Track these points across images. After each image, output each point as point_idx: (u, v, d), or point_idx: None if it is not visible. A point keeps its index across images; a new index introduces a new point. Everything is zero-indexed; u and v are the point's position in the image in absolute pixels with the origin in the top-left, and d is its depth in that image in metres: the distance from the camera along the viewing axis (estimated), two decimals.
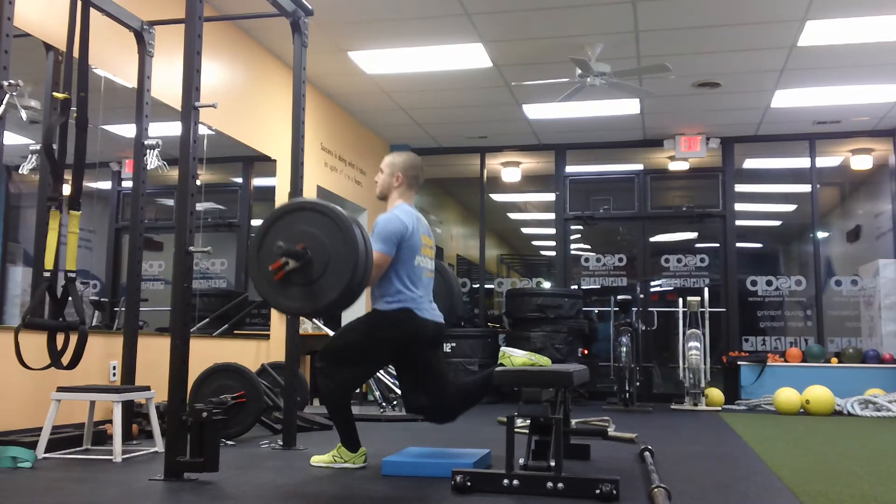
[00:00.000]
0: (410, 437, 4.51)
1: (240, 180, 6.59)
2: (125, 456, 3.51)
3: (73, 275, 3.49)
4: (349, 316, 5.38)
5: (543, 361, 3.27)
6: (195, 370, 3.82)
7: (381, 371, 6.01)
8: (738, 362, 7.71)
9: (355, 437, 3.35)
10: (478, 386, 3.43)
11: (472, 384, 3.47)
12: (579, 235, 9.02)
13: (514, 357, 3.27)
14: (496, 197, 9.45)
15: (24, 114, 3.84)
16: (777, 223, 9.28)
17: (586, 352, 8.13)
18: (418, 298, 3.32)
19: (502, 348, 3.38)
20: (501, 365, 3.24)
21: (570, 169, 8.91)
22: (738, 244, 8.48)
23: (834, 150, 8.42)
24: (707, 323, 7.43)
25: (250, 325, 6.19)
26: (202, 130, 4.33)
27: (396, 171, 3.50)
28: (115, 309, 4.74)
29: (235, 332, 5.91)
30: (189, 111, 3.23)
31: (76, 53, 3.56)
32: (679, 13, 5.45)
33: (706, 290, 7.72)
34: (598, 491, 2.65)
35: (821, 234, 8.39)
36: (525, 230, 10.39)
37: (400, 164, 3.51)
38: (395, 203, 3.48)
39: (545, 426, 2.93)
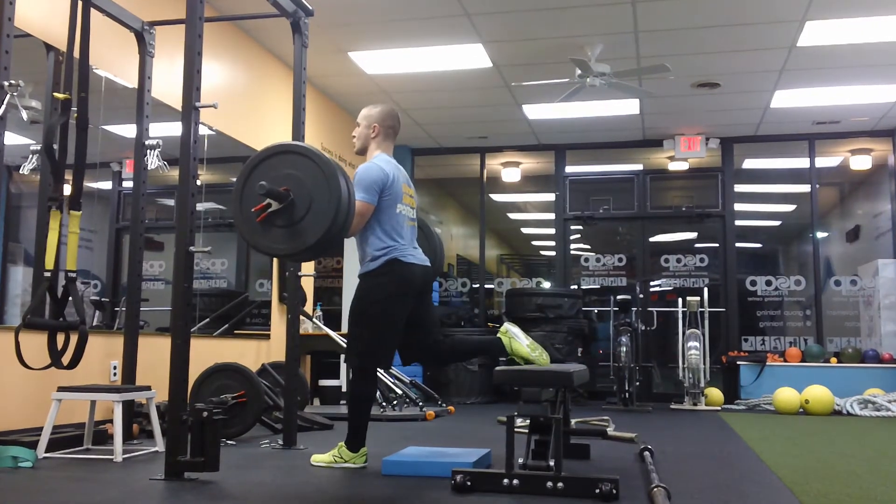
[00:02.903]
0: (410, 437, 4.52)
1: None
2: (126, 456, 3.51)
3: (73, 275, 3.50)
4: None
5: (543, 360, 3.28)
6: (196, 370, 3.82)
7: (382, 371, 6.01)
8: (738, 362, 7.72)
9: (362, 439, 3.36)
10: (472, 346, 3.58)
11: (468, 342, 3.61)
12: (579, 235, 9.02)
13: (515, 342, 3.27)
14: (496, 197, 9.46)
15: (24, 114, 3.84)
16: (776, 223, 9.29)
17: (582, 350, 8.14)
18: (401, 246, 3.33)
19: (506, 324, 3.39)
20: (499, 341, 3.29)
21: (569, 169, 8.91)
22: (738, 244, 8.48)
23: (833, 150, 8.43)
24: (706, 323, 7.43)
25: (251, 324, 6.20)
26: (203, 131, 4.34)
27: (373, 122, 3.52)
28: (116, 309, 4.74)
29: (236, 331, 5.92)
30: (189, 111, 3.24)
31: (77, 54, 3.56)
32: (679, 13, 5.45)
33: (706, 290, 7.72)
34: (597, 490, 2.66)
35: (820, 234, 8.40)
36: (525, 230, 10.39)
37: (376, 115, 3.53)
38: (373, 153, 3.50)
39: (545, 426, 2.93)
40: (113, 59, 4.53)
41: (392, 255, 3.29)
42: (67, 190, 3.58)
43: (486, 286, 9.20)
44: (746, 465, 3.61)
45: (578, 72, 6.03)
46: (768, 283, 8.36)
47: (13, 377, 3.71)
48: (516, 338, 3.29)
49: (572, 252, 8.88)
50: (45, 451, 3.47)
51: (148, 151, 4.30)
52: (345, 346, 3.43)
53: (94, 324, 4.61)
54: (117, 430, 3.49)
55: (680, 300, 7.60)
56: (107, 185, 5.02)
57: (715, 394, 7.36)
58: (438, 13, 5.45)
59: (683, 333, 7.39)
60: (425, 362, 3.62)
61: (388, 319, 3.30)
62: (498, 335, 3.34)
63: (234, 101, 5.79)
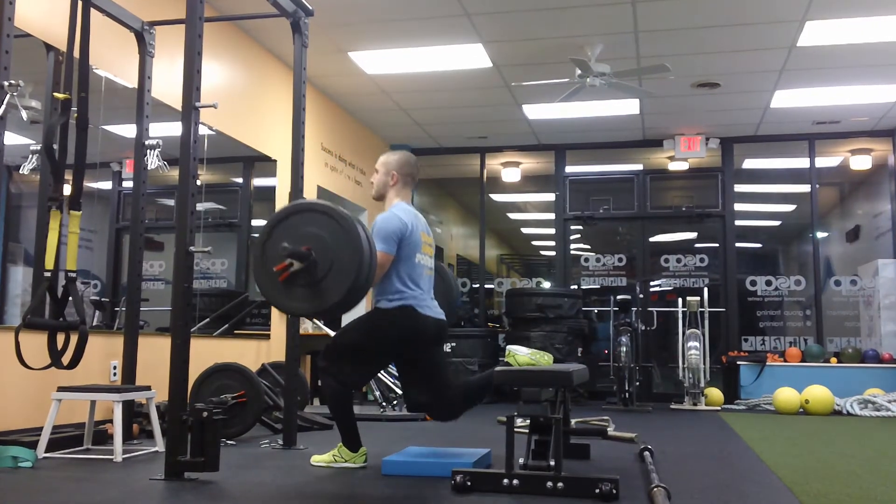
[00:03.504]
0: (410, 437, 4.52)
1: (240, 180, 6.60)
2: (126, 455, 3.51)
3: (73, 275, 3.50)
4: (349, 317, 5.39)
5: (545, 360, 3.28)
6: (196, 370, 3.82)
7: (382, 371, 6.01)
8: (738, 362, 7.72)
9: (356, 437, 3.35)
10: (480, 385, 3.46)
11: (474, 383, 3.49)
12: (579, 235, 9.03)
13: (519, 356, 3.28)
14: (496, 197, 9.46)
15: (24, 114, 3.85)
16: (776, 223, 9.29)
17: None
18: (419, 296, 3.32)
19: (508, 346, 3.40)
20: (507, 363, 3.26)
21: (569, 169, 8.92)
22: (738, 244, 8.48)
23: (833, 150, 8.43)
24: (706, 323, 7.43)
25: (250, 324, 6.20)
26: (203, 131, 4.34)
27: (391, 169, 3.50)
28: (116, 309, 4.75)
29: (236, 331, 5.92)
30: (189, 111, 3.24)
31: (77, 54, 3.56)
32: (679, 13, 5.45)
33: (706, 289, 7.72)
34: (597, 490, 2.66)
35: (820, 234, 8.40)
36: (525, 230, 10.39)
37: (394, 162, 3.52)
38: (392, 202, 3.49)
39: (545, 426, 2.93)
40: (113, 59, 4.53)
41: (408, 302, 3.28)
42: (67, 190, 3.57)
43: (486, 286, 9.20)
44: (746, 465, 3.61)
45: (578, 72, 6.03)
46: (768, 283, 8.37)
47: (13, 377, 3.71)
48: (518, 353, 3.30)
49: (572, 252, 8.89)
50: (45, 451, 3.48)
51: (148, 151, 4.30)
52: (326, 345, 3.39)
53: (94, 324, 4.61)
54: (117, 430, 3.49)
55: (680, 300, 7.60)
56: (107, 185, 5.02)
57: (715, 394, 7.36)
58: (438, 13, 5.45)
59: (683, 333, 7.40)
60: (434, 415, 3.57)
61: (376, 356, 3.35)
62: (505, 359, 3.34)
63: (234, 101, 5.79)
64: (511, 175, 9.15)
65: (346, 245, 2.83)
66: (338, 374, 3.26)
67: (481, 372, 7.55)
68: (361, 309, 6.00)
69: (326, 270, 2.84)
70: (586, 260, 8.82)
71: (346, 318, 6.19)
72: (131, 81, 4.54)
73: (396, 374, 6.18)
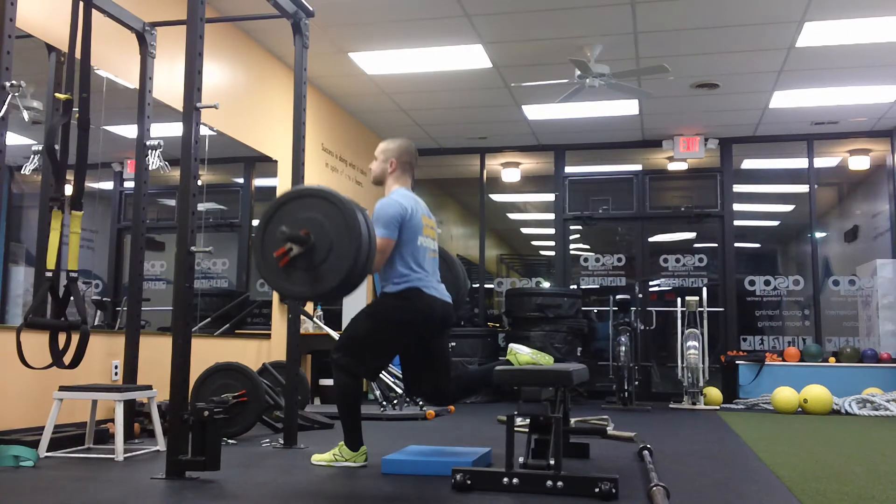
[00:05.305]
0: (411, 436, 4.53)
1: (241, 181, 6.61)
2: (127, 455, 3.52)
3: (74, 274, 3.51)
4: (350, 313, 5.40)
5: (546, 360, 3.29)
6: (197, 369, 3.83)
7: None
8: (737, 361, 7.73)
9: (359, 436, 3.36)
10: (479, 377, 3.52)
11: (474, 375, 3.56)
12: (578, 235, 9.04)
13: (520, 355, 3.30)
14: (496, 197, 9.47)
15: (26, 114, 3.86)
16: (775, 223, 9.30)
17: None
18: (424, 277, 3.33)
19: (510, 345, 3.41)
20: (508, 362, 3.28)
21: (569, 169, 8.93)
22: (737, 244, 8.50)
23: (832, 150, 8.44)
24: (705, 322, 7.45)
25: (251, 324, 6.21)
26: (204, 131, 4.35)
27: (390, 157, 3.53)
28: (117, 308, 4.76)
29: (237, 331, 5.93)
30: (191, 112, 3.25)
31: (78, 54, 3.58)
32: (678, 14, 5.47)
33: (704, 289, 7.73)
34: (597, 489, 2.67)
35: (819, 234, 8.41)
36: (525, 230, 10.40)
37: (394, 149, 3.54)
38: (391, 188, 3.51)
39: (545, 425, 2.94)
40: (114, 60, 4.54)
41: (414, 284, 3.29)
42: (69, 190, 3.59)
43: (486, 286, 9.22)
44: (745, 465, 3.62)
45: (578, 72, 6.04)
46: (767, 282, 8.38)
47: (15, 377, 3.73)
48: (520, 352, 3.32)
49: (572, 252, 8.90)
50: (47, 451, 3.49)
51: (149, 152, 4.31)
52: (336, 340, 3.41)
53: (96, 323, 4.63)
54: (118, 429, 3.50)
55: (679, 300, 7.62)
56: (108, 185, 5.03)
57: (714, 393, 7.37)
58: (438, 14, 5.47)
59: (682, 333, 7.41)
60: (431, 401, 3.60)
61: (391, 341, 3.33)
62: (506, 357, 3.35)
63: (235, 102, 5.80)
64: (511, 175, 9.16)
65: (344, 230, 2.84)
66: (351, 365, 3.26)
67: (485, 365, 7.61)
68: (362, 301, 6.01)
69: (325, 255, 2.85)
70: (586, 260, 8.84)
71: (346, 317, 6.20)
72: (132, 82, 4.55)
73: (396, 373, 6.22)
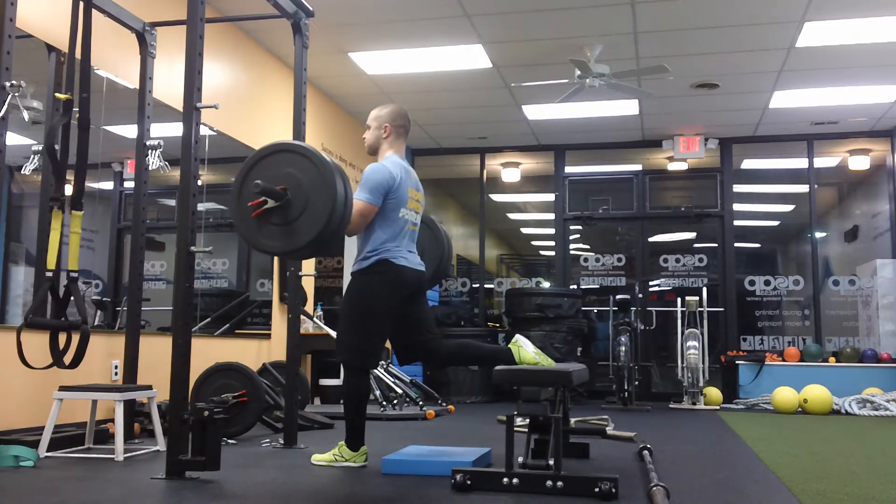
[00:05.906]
0: (410, 436, 4.53)
1: None
2: (127, 455, 3.53)
3: (75, 274, 3.51)
4: None
5: (548, 362, 3.30)
6: (197, 369, 3.83)
7: (382, 370, 6.03)
8: (737, 361, 7.73)
9: (361, 437, 3.37)
10: (483, 353, 3.55)
11: (479, 349, 3.59)
12: (578, 235, 9.04)
13: (524, 351, 3.30)
14: (496, 197, 9.47)
15: (26, 114, 3.86)
16: (775, 223, 9.31)
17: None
18: (394, 248, 3.32)
19: (516, 336, 3.42)
20: (510, 350, 3.31)
21: (569, 169, 8.93)
22: (737, 244, 8.50)
23: (832, 150, 8.45)
24: (705, 322, 7.45)
25: (251, 324, 6.21)
26: (203, 131, 4.35)
27: (384, 122, 3.52)
28: (117, 308, 4.76)
29: (237, 331, 5.93)
30: (191, 112, 3.25)
31: (78, 54, 3.58)
32: (678, 14, 5.47)
33: (704, 289, 7.73)
34: (597, 489, 2.67)
35: (819, 235, 8.42)
36: (525, 230, 10.41)
37: (386, 115, 3.54)
38: (385, 154, 3.51)
39: (544, 425, 2.94)
40: (114, 60, 4.54)
41: (382, 256, 3.29)
42: (69, 190, 3.59)
43: (486, 286, 9.21)
44: (745, 464, 3.62)
45: (578, 72, 6.04)
46: (767, 282, 8.38)
47: (15, 377, 3.73)
48: (524, 347, 3.32)
49: (572, 252, 8.90)
50: (47, 451, 3.49)
51: (149, 152, 4.31)
52: (336, 336, 3.42)
53: (96, 323, 4.63)
54: (118, 429, 3.50)
55: (679, 300, 7.62)
56: (108, 185, 5.04)
57: (714, 393, 7.38)
58: (438, 14, 5.47)
59: (682, 333, 7.41)
60: (423, 361, 3.62)
61: (375, 318, 3.31)
62: (509, 346, 3.36)
63: (235, 102, 5.80)
64: (511, 175, 9.17)
65: (321, 187, 2.85)
66: (359, 360, 3.28)
67: (481, 371, 7.63)
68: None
69: (300, 210, 2.86)
70: (586, 260, 8.84)
71: None
72: (132, 82, 4.55)
73: (396, 373, 6.23)
